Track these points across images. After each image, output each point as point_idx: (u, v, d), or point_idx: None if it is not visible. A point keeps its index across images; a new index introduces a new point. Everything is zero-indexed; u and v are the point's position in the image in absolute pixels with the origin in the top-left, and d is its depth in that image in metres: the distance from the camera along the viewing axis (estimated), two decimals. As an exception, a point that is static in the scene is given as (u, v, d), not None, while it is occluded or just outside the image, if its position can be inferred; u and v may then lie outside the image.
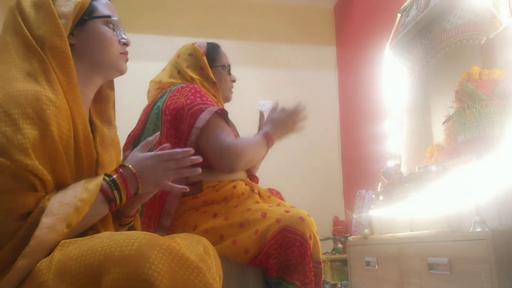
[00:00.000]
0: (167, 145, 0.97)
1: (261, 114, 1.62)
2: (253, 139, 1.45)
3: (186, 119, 1.35)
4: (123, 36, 1.03)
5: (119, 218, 1.03)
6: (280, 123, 1.49)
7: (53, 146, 0.81)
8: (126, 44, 1.03)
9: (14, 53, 0.87)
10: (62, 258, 0.71)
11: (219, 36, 3.28)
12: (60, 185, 0.84)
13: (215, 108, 1.35)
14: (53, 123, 0.81)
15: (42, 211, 0.76)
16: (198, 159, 0.96)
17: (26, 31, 0.88)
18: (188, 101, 1.36)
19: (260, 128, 1.58)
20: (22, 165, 0.75)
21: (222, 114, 1.39)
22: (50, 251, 0.74)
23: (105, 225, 0.95)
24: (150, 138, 0.96)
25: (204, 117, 1.33)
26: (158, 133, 1.00)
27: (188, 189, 0.99)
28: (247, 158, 1.36)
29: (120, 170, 0.91)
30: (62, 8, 0.92)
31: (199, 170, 0.98)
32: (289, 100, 4.24)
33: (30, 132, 0.77)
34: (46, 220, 0.75)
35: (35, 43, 0.87)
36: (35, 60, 0.86)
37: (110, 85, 1.09)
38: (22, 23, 0.89)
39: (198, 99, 1.37)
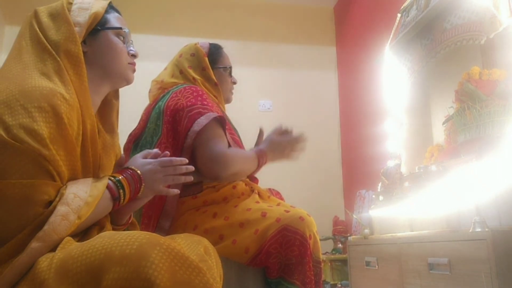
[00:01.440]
0: (167, 153, 1.04)
1: (261, 131, 1.59)
2: (245, 152, 1.44)
3: (183, 121, 1.35)
4: (132, 48, 1.08)
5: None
6: (277, 146, 1.47)
7: (66, 139, 0.84)
8: (134, 56, 1.08)
9: (29, 56, 0.91)
10: (63, 257, 0.71)
11: (220, 36, 3.29)
12: (72, 178, 0.87)
13: (214, 114, 1.35)
14: (65, 118, 0.84)
15: (60, 198, 0.80)
16: (191, 168, 1.04)
17: (42, 36, 0.93)
18: (189, 104, 1.36)
19: (256, 144, 1.56)
20: (41, 155, 0.78)
21: (221, 121, 1.38)
22: (61, 239, 0.77)
23: (107, 222, 0.97)
24: (151, 151, 1.03)
25: (202, 121, 1.32)
26: (157, 150, 1.05)
27: (179, 191, 1.07)
28: (235, 169, 1.34)
29: (126, 171, 0.96)
30: (77, 18, 0.97)
31: (191, 178, 1.05)
32: (289, 100, 4.22)
33: (46, 124, 0.80)
34: (61, 208, 0.78)
35: (49, 47, 0.92)
36: (49, 61, 0.90)
37: (116, 95, 1.13)
38: (38, 30, 0.94)
39: (198, 103, 1.37)
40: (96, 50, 1.01)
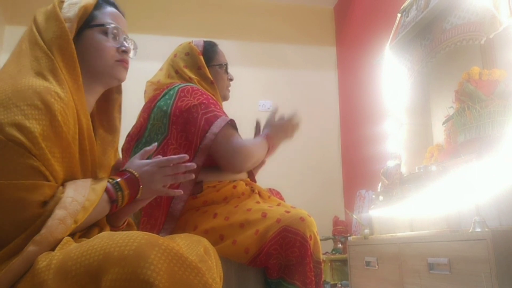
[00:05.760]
0: (159, 155, 1.02)
1: (257, 123, 1.63)
2: (256, 140, 1.48)
3: (199, 122, 1.35)
4: (125, 44, 1.03)
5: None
6: (279, 128, 1.53)
7: (61, 136, 0.84)
8: (125, 52, 1.03)
9: (26, 57, 0.91)
10: (62, 258, 0.71)
11: (219, 36, 3.28)
12: (70, 177, 0.87)
13: (227, 119, 1.38)
14: (59, 115, 0.84)
15: (57, 202, 0.79)
16: (192, 165, 1.02)
17: (38, 37, 0.93)
18: (202, 105, 1.37)
19: (256, 135, 1.60)
20: (32, 154, 0.77)
21: (232, 124, 1.41)
22: (56, 242, 0.77)
23: (105, 224, 0.97)
24: (148, 148, 1.01)
25: (219, 123, 1.35)
26: (156, 144, 1.04)
27: (182, 192, 1.05)
28: (255, 158, 1.41)
29: (124, 174, 0.95)
30: (67, 13, 0.96)
31: (193, 176, 1.03)
32: (289, 100, 4.23)
33: (39, 121, 0.80)
34: (59, 212, 0.78)
35: (44, 46, 0.91)
36: (43, 60, 0.90)
37: (118, 89, 1.11)
38: (36, 31, 0.94)
39: (211, 105, 1.39)
40: (83, 50, 0.98)
